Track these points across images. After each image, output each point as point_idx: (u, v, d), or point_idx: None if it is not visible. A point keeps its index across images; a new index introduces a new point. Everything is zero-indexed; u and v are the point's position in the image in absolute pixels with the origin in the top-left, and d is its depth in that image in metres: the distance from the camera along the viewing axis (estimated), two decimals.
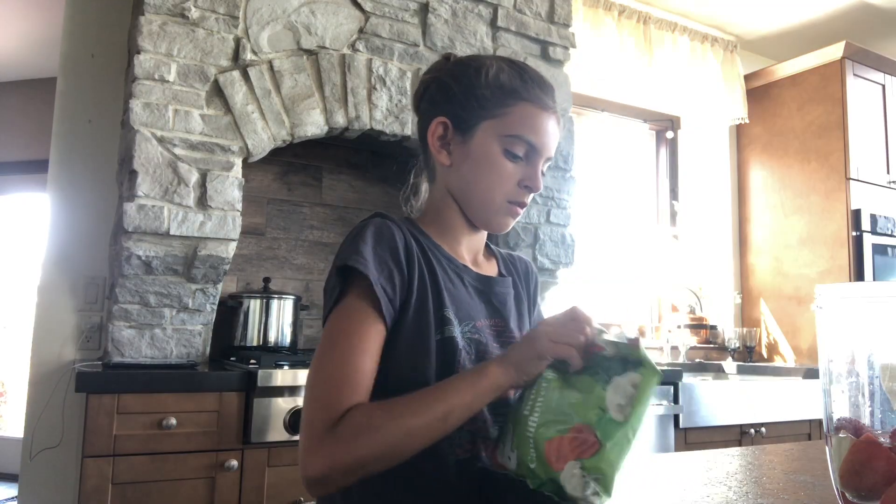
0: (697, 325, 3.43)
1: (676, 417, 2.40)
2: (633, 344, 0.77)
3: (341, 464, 0.74)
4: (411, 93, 2.25)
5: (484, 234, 1.05)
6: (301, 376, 1.80)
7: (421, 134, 1.02)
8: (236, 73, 1.99)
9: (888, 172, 3.35)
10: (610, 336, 0.81)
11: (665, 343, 3.30)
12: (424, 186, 1.06)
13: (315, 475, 0.74)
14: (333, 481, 0.75)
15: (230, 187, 1.95)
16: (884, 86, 3.40)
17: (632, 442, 0.73)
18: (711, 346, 3.49)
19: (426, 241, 0.96)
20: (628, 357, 0.77)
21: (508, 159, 0.94)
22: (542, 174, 0.97)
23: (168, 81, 1.89)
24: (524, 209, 0.98)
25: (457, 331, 0.90)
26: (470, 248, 1.03)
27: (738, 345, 3.43)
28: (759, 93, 3.60)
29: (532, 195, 0.98)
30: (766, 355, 3.52)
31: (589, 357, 0.79)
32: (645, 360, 0.76)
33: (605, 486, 0.70)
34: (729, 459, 0.92)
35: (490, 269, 1.06)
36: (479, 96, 0.95)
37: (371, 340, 0.84)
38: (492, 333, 0.95)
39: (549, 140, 0.96)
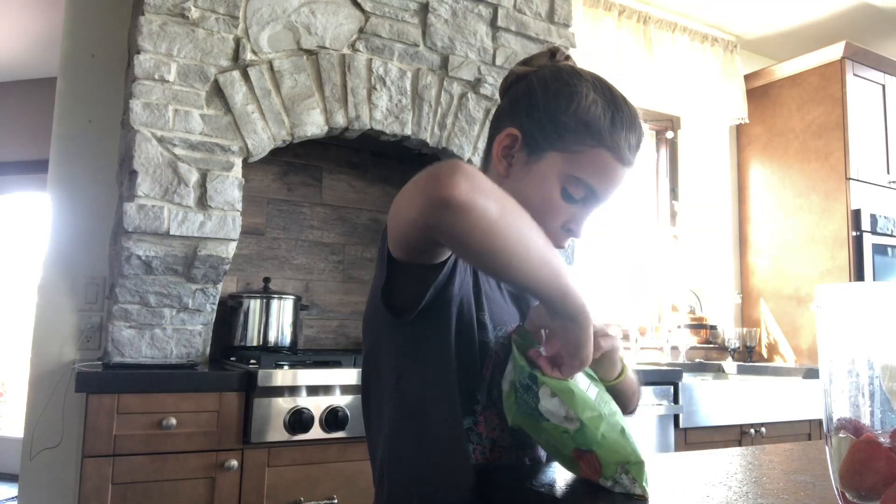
0: (697, 325, 3.43)
1: (676, 417, 2.40)
2: (533, 355, 0.80)
3: (484, 178, 0.68)
4: (411, 93, 2.26)
5: None
6: (301, 376, 1.80)
7: (493, 125, 0.96)
8: (236, 73, 1.99)
9: (888, 172, 3.35)
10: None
11: (665, 343, 3.30)
12: None
13: (464, 167, 0.66)
14: (476, 183, 0.66)
15: (230, 187, 1.95)
16: (884, 86, 3.40)
17: (611, 425, 0.76)
18: (711, 346, 3.49)
19: None
20: (524, 377, 0.80)
21: (563, 198, 0.89)
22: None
23: (168, 81, 1.90)
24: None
25: (490, 336, 0.89)
26: None
27: (738, 345, 3.43)
28: (759, 93, 3.60)
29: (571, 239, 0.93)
30: (766, 355, 3.52)
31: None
32: (527, 369, 0.79)
33: (636, 474, 0.73)
34: (729, 459, 0.92)
35: None
36: (559, 123, 0.88)
37: None
38: None
39: (614, 190, 0.91)
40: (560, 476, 0.84)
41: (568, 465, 0.81)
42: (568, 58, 0.98)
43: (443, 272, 0.81)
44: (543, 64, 0.96)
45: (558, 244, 0.92)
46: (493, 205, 0.67)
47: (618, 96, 0.91)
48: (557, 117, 0.88)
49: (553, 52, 0.97)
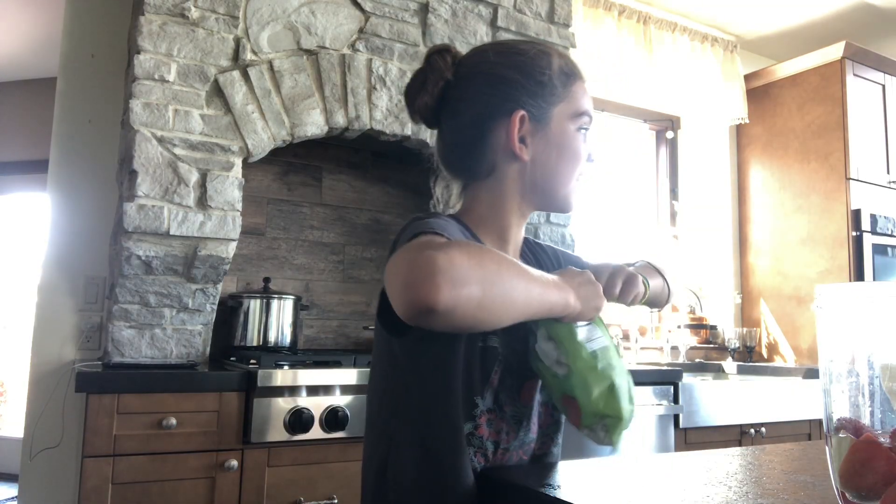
0: (697, 325, 3.43)
1: (676, 417, 2.40)
2: None
3: (465, 264, 0.67)
4: None
5: (522, 231, 1.03)
6: (301, 376, 1.80)
7: (470, 134, 0.95)
8: (236, 73, 1.99)
9: (888, 172, 3.35)
10: None
11: (665, 343, 3.30)
12: (456, 187, 1.03)
13: (442, 265, 0.66)
14: (457, 280, 0.66)
15: (230, 187, 1.95)
16: (884, 86, 3.40)
17: (601, 378, 0.79)
18: (711, 346, 3.49)
19: (478, 243, 0.92)
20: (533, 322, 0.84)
21: (579, 134, 0.97)
22: None
23: (168, 81, 1.90)
24: None
25: (499, 340, 0.89)
26: (515, 249, 1.01)
27: (738, 345, 3.43)
28: (759, 93, 3.60)
29: None
30: (766, 355, 3.52)
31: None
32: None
33: (611, 427, 0.78)
34: (729, 459, 0.92)
35: None
36: (547, 83, 0.95)
37: None
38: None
39: None
40: (562, 478, 0.84)
41: (560, 410, 0.87)
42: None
43: None
44: (448, 67, 0.96)
45: (586, 175, 1.00)
46: (475, 288, 0.68)
47: (533, 41, 1.03)
48: (542, 80, 0.95)
49: (445, 51, 0.97)
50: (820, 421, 2.62)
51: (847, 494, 0.62)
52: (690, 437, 2.44)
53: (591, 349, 0.81)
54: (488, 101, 0.94)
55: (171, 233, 1.86)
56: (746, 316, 3.61)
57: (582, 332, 0.82)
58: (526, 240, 1.09)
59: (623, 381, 0.80)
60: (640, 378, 2.36)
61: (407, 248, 0.70)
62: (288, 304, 2.25)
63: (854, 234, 3.16)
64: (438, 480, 0.84)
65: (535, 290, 0.76)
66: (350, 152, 2.59)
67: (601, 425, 0.77)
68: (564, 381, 0.80)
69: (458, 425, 0.85)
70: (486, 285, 0.69)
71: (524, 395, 0.90)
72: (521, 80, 0.94)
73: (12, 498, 3.64)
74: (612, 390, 0.78)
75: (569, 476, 0.83)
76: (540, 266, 1.06)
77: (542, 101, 0.94)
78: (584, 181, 1.00)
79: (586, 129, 0.98)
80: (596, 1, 3.10)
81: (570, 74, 0.97)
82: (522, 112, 0.93)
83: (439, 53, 0.97)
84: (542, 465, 0.90)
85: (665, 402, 2.38)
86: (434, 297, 0.65)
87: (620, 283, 0.94)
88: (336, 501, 1.81)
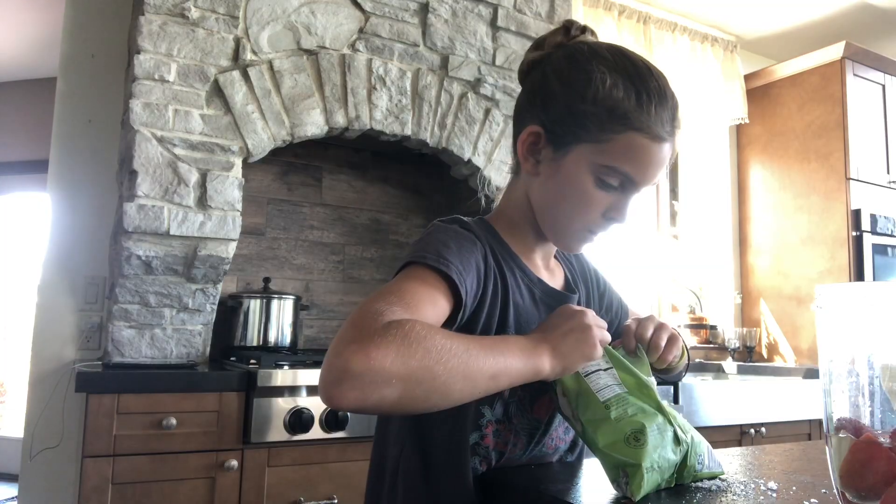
0: (697, 325, 3.43)
1: None
2: None
3: (385, 366, 0.62)
4: (411, 93, 2.25)
5: None
6: (301, 376, 1.80)
7: (515, 120, 0.92)
8: (236, 73, 1.99)
9: (888, 172, 3.34)
10: None
11: None
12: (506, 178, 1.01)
13: (354, 369, 0.62)
14: (368, 384, 0.62)
15: (230, 187, 1.95)
16: (884, 86, 3.40)
17: (615, 428, 0.74)
18: (711, 346, 3.49)
19: (501, 249, 0.89)
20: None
21: (599, 188, 0.83)
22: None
23: (168, 81, 1.90)
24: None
25: None
26: (543, 255, 0.97)
27: (738, 345, 3.43)
28: (759, 93, 3.60)
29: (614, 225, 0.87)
30: (766, 355, 3.52)
31: None
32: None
33: (631, 477, 0.71)
34: (729, 459, 0.91)
35: (559, 275, 1.00)
36: (580, 114, 0.82)
37: (439, 304, 0.74)
38: None
39: (655, 172, 0.83)
40: (560, 477, 0.84)
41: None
42: (584, 30, 0.93)
43: (457, 322, 0.79)
44: (558, 43, 0.91)
45: (601, 232, 0.88)
46: (390, 388, 0.63)
47: (641, 69, 0.84)
48: (577, 108, 0.82)
49: (567, 28, 0.92)
50: (820, 421, 2.62)
51: (847, 494, 0.62)
52: None
53: (604, 398, 0.76)
54: (527, 99, 0.91)
55: (171, 233, 1.86)
56: (746, 316, 3.61)
57: (592, 377, 0.77)
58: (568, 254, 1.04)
59: (651, 423, 0.74)
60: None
61: (342, 332, 0.67)
62: (288, 304, 2.25)
63: (854, 234, 3.16)
64: (439, 487, 0.84)
65: (492, 365, 0.70)
66: (350, 152, 2.59)
67: (624, 476, 0.72)
68: (584, 436, 0.77)
69: (463, 437, 0.84)
70: (413, 381, 0.64)
71: (538, 409, 0.89)
72: (556, 91, 0.85)
73: (12, 498, 3.64)
74: (636, 435, 0.73)
75: (567, 476, 0.83)
76: (574, 278, 1.01)
77: (565, 129, 0.83)
78: (598, 235, 0.88)
79: (612, 187, 0.83)
80: (596, 1, 3.10)
81: (620, 118, 0.80)
82: (538, 129, 0.86)
83: (564, 26, 0.92)
84: (541, 466, 0.90)
85: (665, 403, 2.37)
86: (339, 401, 0.63)
87: (665, 338, 0.85)
88: (336, 501, 1.81)
